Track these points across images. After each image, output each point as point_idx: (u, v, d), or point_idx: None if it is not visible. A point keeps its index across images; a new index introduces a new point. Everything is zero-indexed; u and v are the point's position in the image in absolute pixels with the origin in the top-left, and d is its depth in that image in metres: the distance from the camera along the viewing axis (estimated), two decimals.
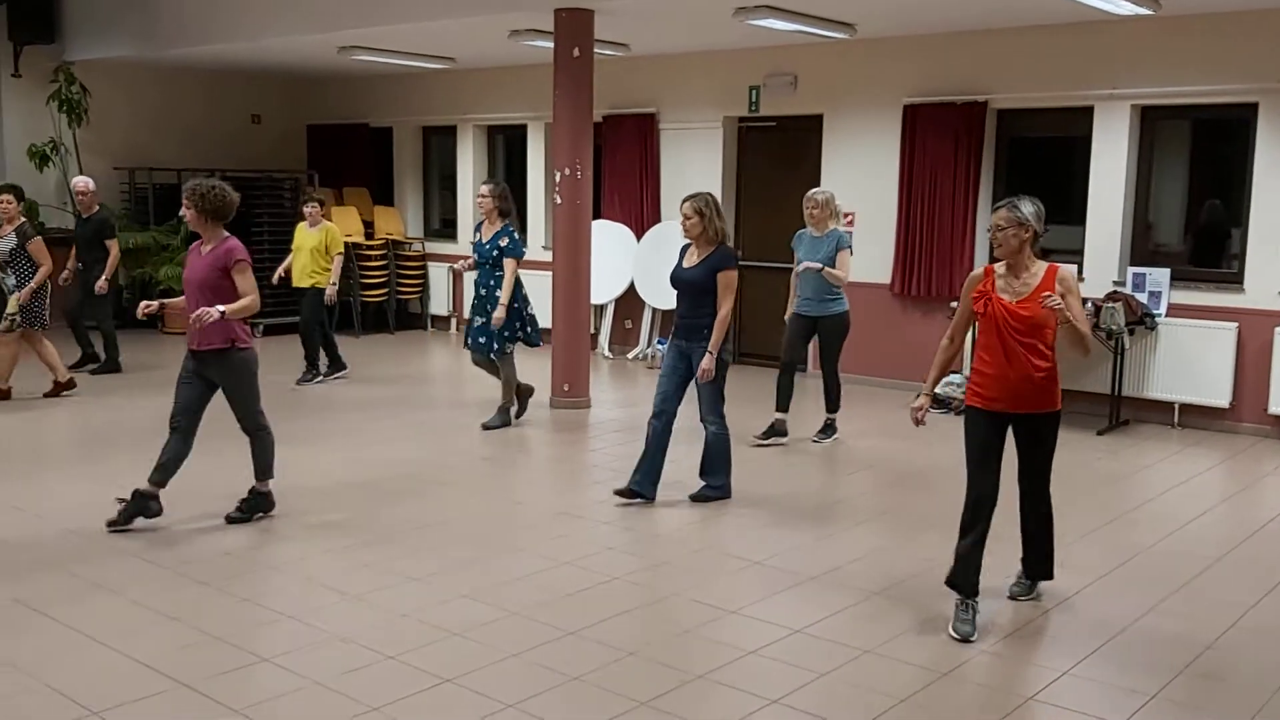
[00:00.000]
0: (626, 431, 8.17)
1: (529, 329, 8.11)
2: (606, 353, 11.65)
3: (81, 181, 10.07)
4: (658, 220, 11.38)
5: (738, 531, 5.89)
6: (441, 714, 3.74)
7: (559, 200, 8.80)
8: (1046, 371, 4.43)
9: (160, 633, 4.36)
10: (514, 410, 8.30)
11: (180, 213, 5.75)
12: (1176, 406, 8.63)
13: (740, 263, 11.18)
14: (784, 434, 7.78)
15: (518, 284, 7.99)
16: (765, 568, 5.27)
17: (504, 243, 7.90)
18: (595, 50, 8.83)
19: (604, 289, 11.21)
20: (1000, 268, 4.50)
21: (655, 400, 6.27)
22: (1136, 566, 5.39)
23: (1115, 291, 8.65)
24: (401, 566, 5.18)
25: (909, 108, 9.70)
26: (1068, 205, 9.43)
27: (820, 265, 7.51)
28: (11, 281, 8.64)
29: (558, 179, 8.77)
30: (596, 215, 10.17)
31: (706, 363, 6.08)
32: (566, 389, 8.91)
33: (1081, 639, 4.47)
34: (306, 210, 9.87)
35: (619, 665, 4.15)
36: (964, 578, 4.52)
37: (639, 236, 11.42)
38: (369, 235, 13.29)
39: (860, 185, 10.03)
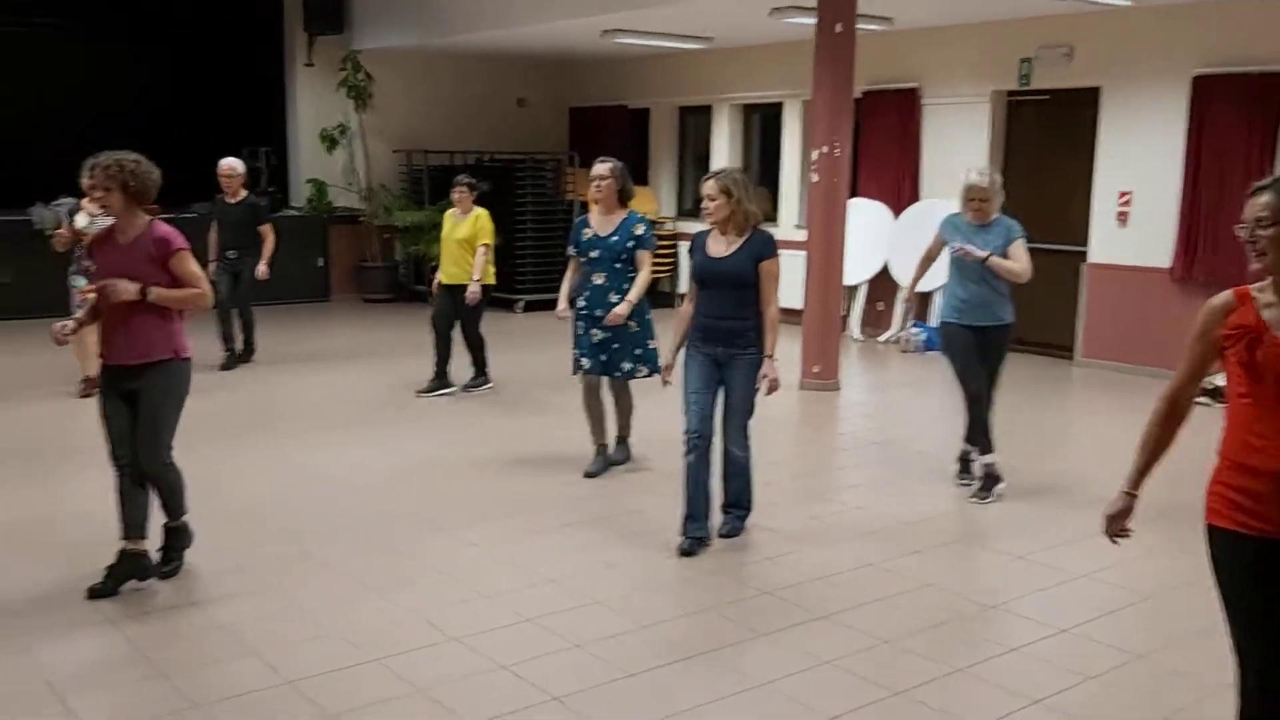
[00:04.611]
0: (877, 416, 8.00)
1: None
2: (857, 335, 11.43)
3: (228, 164, 9.01)
4: (916, 199, 11.07)
5: (998, 524, 5.66)
6: (695, 686, 3.79)
7: (816, 178, 8.70)
8: None
9: (431, 589, 4.64)
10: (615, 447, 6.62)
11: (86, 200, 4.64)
12: None
13: None
14: (999, 478, 6.05)
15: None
16: (1029, 562, 5.05)
17: (639, 230, 6.24)
18: (857, 25, 8.65)
19: (857, 270, 10.99)
20: (1265, 291, 2.77)
21: (691, 421, 5.07)
22: None
23: None
24: (644, 540, 5.26)
25: (1198, 79, 8.99)
26: None
27: (987, 254, 5.81)
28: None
29: (815, 157, 8.66)
30: (853, 193, 9.98)
31: (767, 368, 5.03)
32: (817, 371, 8.82)
33: None
34: (454, 195, 8.13)
35: (872, 653, 4.08)
36: None
37: (896, 215, 11.15)
38: None
39: (1140, 162, 9.42)
